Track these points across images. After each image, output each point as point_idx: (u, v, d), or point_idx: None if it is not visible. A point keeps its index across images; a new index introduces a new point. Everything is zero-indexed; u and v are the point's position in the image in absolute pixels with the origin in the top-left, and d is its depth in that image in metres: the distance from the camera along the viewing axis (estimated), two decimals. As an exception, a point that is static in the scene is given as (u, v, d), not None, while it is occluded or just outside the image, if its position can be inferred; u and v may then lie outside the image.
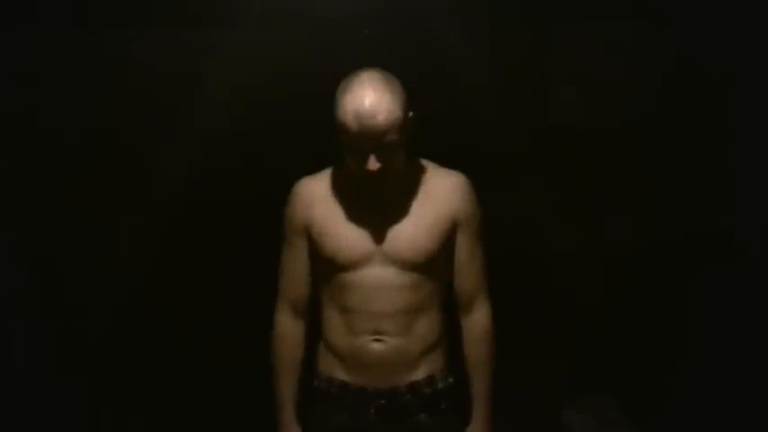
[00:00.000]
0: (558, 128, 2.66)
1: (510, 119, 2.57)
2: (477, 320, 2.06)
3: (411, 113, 1.89)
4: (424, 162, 2.04)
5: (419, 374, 2.02)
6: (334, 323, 2.03)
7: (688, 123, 2.53)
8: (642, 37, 2.55)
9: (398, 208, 1.96)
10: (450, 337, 2.08)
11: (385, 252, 1.95)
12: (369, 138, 1.80)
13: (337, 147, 1.89)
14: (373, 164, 1.83)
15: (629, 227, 2.66)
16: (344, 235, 1.96)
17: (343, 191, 2.00)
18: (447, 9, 2.46)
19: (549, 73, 2.65)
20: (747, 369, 2.54)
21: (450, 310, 2.07)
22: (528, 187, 2.64)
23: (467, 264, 2.03)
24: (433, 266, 1.98)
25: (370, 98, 1.79)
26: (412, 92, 1.88)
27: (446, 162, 2.05)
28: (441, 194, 1.98)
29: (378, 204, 1.96)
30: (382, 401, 2.01)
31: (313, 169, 2.07)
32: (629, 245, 2.67)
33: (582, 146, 2.62)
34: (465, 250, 2.02)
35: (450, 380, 2.08)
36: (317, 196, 2.01)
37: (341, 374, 2.03)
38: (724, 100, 2.50)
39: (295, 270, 2.07)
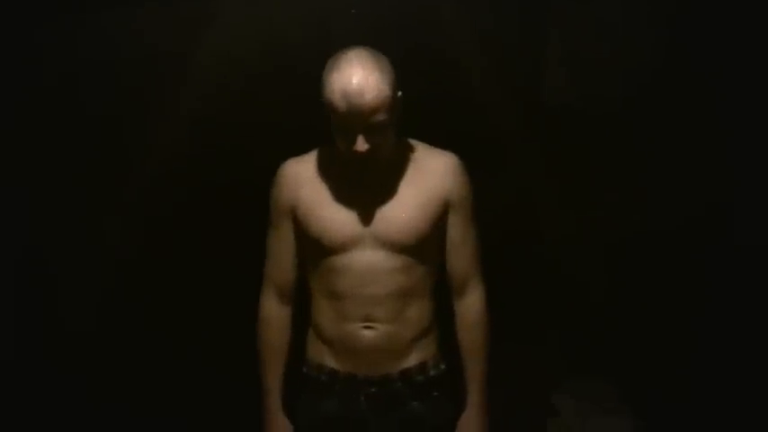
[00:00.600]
0: (555, 108, 2.63)
1: (504, 99, 2.53)
2: (471, 304, 2.03)
3: (400, 93, 1.84)
4: (415, 142, 2.00)
5: (411, 361, 1.98)
6: (323, 309, 1.99)
7: (688, 105, 2.50)
8: (642, 15, 2.53)
9: (388, 189, 1.92)
10: (442, 321, 2.05)
11: (375, 234, 1.91)
12: (357, 117, 1.76)
13: (325, 127, 1.85)
14: (362, 144, 1.79)
15: (627, 210, 2.62)
16: (332, 217, 1.92)
17: (330, 172, 1.96)
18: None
19: (547, 52, 2.62)
20: (746, 356, 2.51)
21: (442, 294, 2.04)
22: (522, 169, 2.61)
23: (460, 246, 1.99)
24: (425, 249, 1.94)
25: (357, 77, 1.74)
26: (403, 71, 1.84)
27: (438, 143, 2.01)
28: (432, 175, 1.94)
29: (367, 186, 1.92)
30: (373, 389, 1.98)
31: (300, 150, 2.03)
32: (627, 228, 2.63)
33: (578, 127, 2.59)
34: (457, 232, 1.98)
35: (443, 366, 2.04)
36: (303, 177, 1.97)
37: (330, 361, 1.99)
38: (726, 81, 2.47)
39: (281, 253, 2.02)
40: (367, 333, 1.93)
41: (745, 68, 2.45)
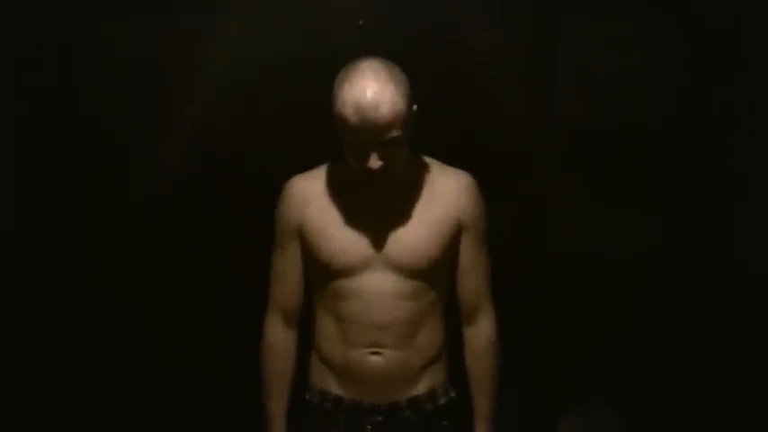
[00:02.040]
0: (565, 123, 2.60)
1: (514, 114, 2.48)
2: (481, 331, 1.95)
3: (415, 107, 1.77)
4: (428, 160, 1.92)
5: (420, 389, 1.91)
6: (328, 333, 1.90)
7: (698, 119, 2.48)
8: (652, 31, 2.50)
9: (400, 210, 1.84)
10: (452, 347, 1.98)
11: (385, 257, 1.83)
12: (371, 133, 1.67)
13: (334, 142, 1.77)
14: (375, 162, 1.70)
15: (637, 229, 2.59)
16: (341, 238, 1.83)
17: (339, 190, 1.88)
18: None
19: (557, 66, 2.58)
20: (751, 379, 2.48)
21: (452, 318, 1.96)
22: (529, 186, 2.57)
23: (471, 270, 1.92)
24: (437, 273, 1.87)
25: (372, 89, 1.65)
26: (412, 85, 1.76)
27: (447, 159, 1.94)
28: (446, 196, 1.87)
29: (378, 205, 1.84)
30: (379, 418, 1.90)
31: (307, 166, 1.95)
32: (636, 247, 2.59)
33: (588, 143, 2.56)
34: (469, 256, 1.91)
35: (452, 394, 1.97)
36: (310, 196, 1.88)
37: (335, 388, 1.92)
38: (733, 96, 2.45)
39: (287, 276, 1.94)
40: (374, 359, 1.85)
41: (756, 82, 2.43)
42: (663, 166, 2.51)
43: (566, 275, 2.58)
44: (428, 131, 1.86)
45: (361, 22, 2.36)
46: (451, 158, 1.94)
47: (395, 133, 1.68)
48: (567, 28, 2.55)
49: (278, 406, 1.97)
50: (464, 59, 2.42)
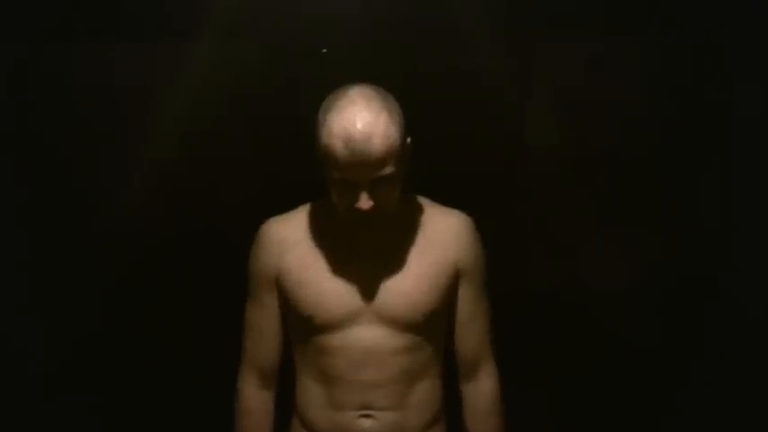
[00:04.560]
0: (540, 151, 2.48)
1: (490, 142, 2.37)
2: (483, 390, 1.78)
3: (409, 139, 1.59)
4: (421, 199, 1.76)
5: (416, 455, 1.72)
6: (312, 395, 1.72)
7: (680, 144, 2.41)
8: (635, 53, 2.42)
9: (391, 255, 1.67)
10: (450, 406, 1.81)
11: (375, 309, 1.65)
12: (361, 169, 1.48)
13: (317, 177, 1.60)
14: (365, 201, 1.52)
15: (628, 258, 2.48)
16: (324, 288, 1.65)
17: (322, 234, 1.69)
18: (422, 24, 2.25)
19: (532, 93, 2.49)
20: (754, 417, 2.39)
21: (450, 374, 1.80)
22: (512, 218, 2.42)
23: (470, 321, 1.75)
24: (433, 325, 1.69)
25: (363, 119, 1.47)
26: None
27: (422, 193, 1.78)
28: (442, 238, 1.69)
29: (366, 251, 1.66)
30: None
31: (285, 207, 1.77)
32: (634, 279, 2.47)
33: (568, 170, 2.45)
34: (468, 305, 1.74)
35: None
36: (289, 240, 1.70)
37: (321, 457, 1.73)
38: (718, 119, 2.37)
39: (262, 330, 1.75)
40: (365, 423, 1.67)
41: (740, 106, 2.36)
42: (646, 193, 2.43)
43: (566, 318, 2.46)
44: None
45: (324, 50, 2.22)
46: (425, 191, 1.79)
47: (388, 170, 1.50)
48: (543, 53, 2.45)
49: None
50: (438, 87, 2.30)
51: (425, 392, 1.71)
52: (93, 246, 2.31)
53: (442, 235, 1.69)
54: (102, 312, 2.35)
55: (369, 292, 1.64)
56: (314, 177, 1.61)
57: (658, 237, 2.44)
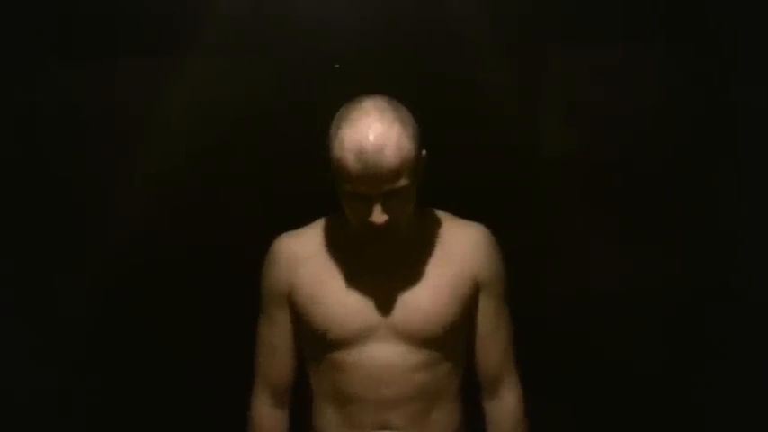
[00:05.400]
0: (553, 160, 2.41)
1: (502, 151, 2.29)
2: (506, 406, 1.73)
3: (424, 152, 1.56)
4: (438, 212, 1.71)
5: (436, 476, 1.68)
6: (327, 415, 1.68)
7: (693, 153, 2.34)
8: (648, 61, 2.34)
9: (408, 269, 1.63)
10: (470, 423, 1.76)
11: (391, 324, 1.61)
12: (374, 182, 1.45)
13: (330, 191, 1.57)
14: (379, 215, 1.48)
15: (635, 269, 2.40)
16: (339, 304, 1.61)
17: (336, 249, 1.66)
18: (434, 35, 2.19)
19: (546, 102, 2.42)
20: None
21: (470, 392, 1.75)
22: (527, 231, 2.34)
23: (491, 335, 1.70)
24: (452, 341, 1.65)
25: (376, 131, 1.44)
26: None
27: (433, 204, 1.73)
28: (460, 252, 1.65)
29: (381, 265, 1.62)
30: None
31: (298, 223, 1.74)
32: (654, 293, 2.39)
33: (580, 180, 2.38)
34: (488, 319, 1.69)
35: None
36: (302, 256, 1.66)
37: (337, 480, 1.68)
38: (731, 128, 2.30)
39: (275, 347, 1.72)
40: None
41: (753, 114, 2.29)
42: (659, 202, 2.36)
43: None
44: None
45: (337, 65, 2.18)
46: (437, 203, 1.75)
47: (402, 182, 1.46)
48: (557, 61, 2.38)
49: None
50: (450, 98, 2.23)
51: (445, 411, 1.67)
52: (95, 266, 2.27)
53: (461, 247, 1.65)
54: (106, 341, 2.31)
55: (384, 307, 1.60)
56: (327, 192, 1.58)
57: (677, 248, 2.38)
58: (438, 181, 1.75)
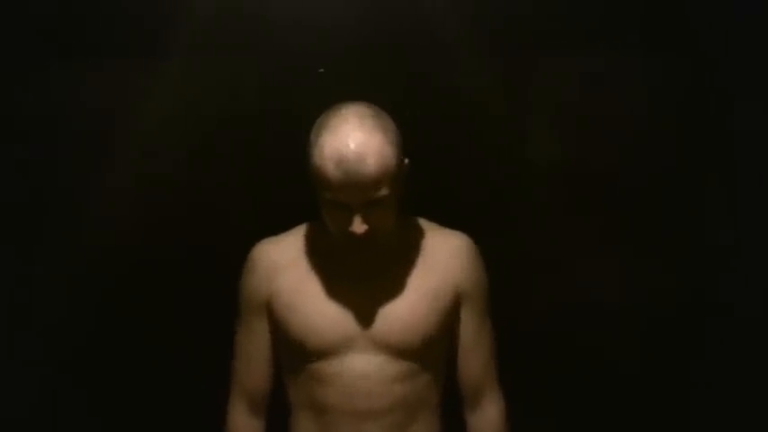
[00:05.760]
0: (542, 169, 2.39)
1: (489, 161, 2.28)
2: (488, 418, 1.71)
3: (407, 160, 1.53)
4: (420, 221, 1.69)
5: (415, 490, 1.66)
6: (305, 425, 1.66)
7: (684, 162, 2.33)
8: (635, 69, 2.33)
9: (388, 279, 1.60)
10: None
11: (370, 335, 1.58)
12: (355, 191, 1.42)
13: (310, 199, 1.55)
14: (359, 225, 1.46)
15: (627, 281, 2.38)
16: (317, 313, 1.59)
17: (315, 257, 1.63)
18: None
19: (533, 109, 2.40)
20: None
21: (452, 404, 1.73)
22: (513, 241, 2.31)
23: (473, 347, 1.68)
24: (433, 352, 1.63)
25: (356, 140, 1.41)
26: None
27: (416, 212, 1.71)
28: (441, 261, 1.63)
29: (361, 275, 1.59)
30: None
31: (277, 229, 1.72)
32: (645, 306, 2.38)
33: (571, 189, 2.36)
34: (470, 330, 1.67)
35: None
36: (280, 264, 1.64)
37: (314, 492, 1.66)
38: (724, 136, 2.30)
39: (252, 356, 1.69)
40: None
41: (747, 124, 2.29)
42: (646, 210, 2.35)
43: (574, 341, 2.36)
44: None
45: (321, 70, 2.16)
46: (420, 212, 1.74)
47: (383, 191, 1.44)
48: (544, 68, 2.37)
49: None
50: (433, 104, 2.22)
51: (425, 423, 1.65)
52: (79, 268, 2.23)
53: (442, 257, 1.63)
54: (89, 345, 2.27)
55: (363, 317, 1.57)
56: (308, 198, 1.56)
57: (667, 258, 2.37)
58: (421, 188, 1.74)
